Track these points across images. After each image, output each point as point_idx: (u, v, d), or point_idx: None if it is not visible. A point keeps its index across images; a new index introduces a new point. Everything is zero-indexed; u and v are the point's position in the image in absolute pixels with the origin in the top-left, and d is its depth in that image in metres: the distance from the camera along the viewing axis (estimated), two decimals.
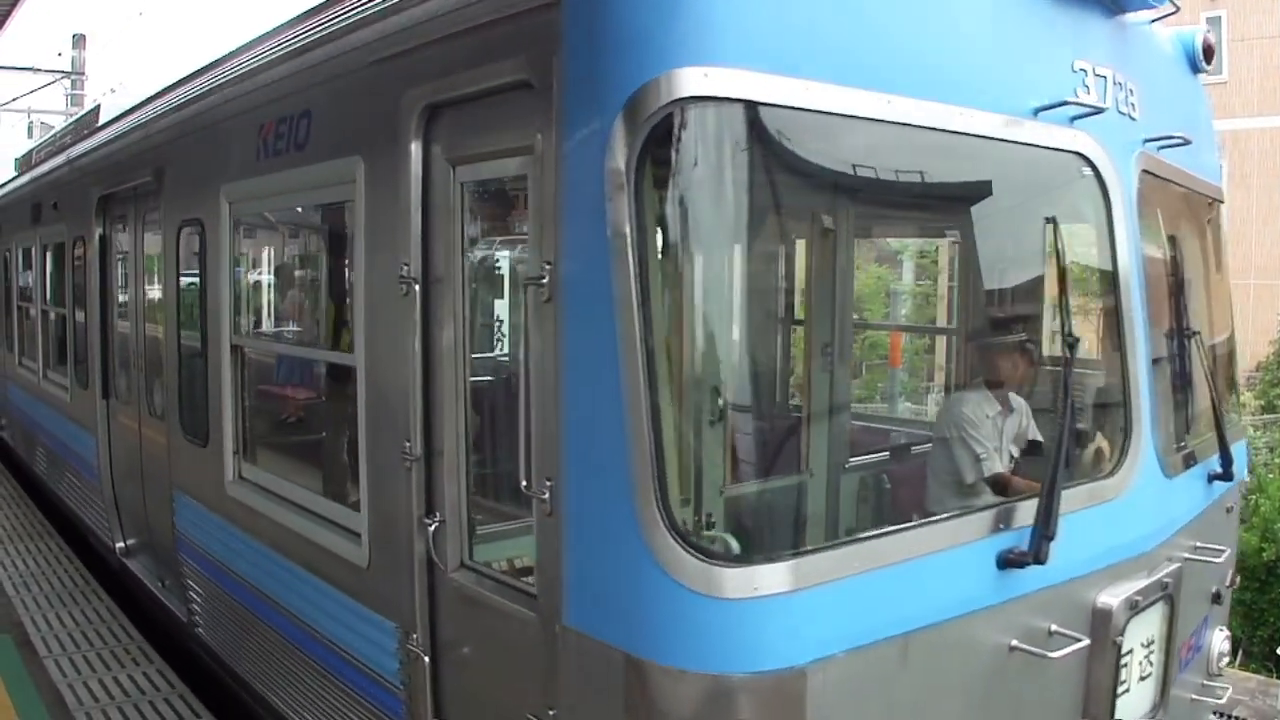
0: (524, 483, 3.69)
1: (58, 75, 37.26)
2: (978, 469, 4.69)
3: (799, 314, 4.83)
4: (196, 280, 6.70)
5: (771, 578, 3.24)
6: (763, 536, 3.67)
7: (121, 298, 8.91)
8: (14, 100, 37.01)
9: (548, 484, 3.54)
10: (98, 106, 12.67)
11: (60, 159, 11.05)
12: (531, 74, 3.57)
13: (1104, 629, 4.10)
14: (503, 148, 3.87)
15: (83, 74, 39.08)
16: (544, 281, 3.49)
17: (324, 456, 6.08)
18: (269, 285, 6.74)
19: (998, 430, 4.85)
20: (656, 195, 3.30)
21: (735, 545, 3.43)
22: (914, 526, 3.87)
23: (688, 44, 3.23)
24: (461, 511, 4.20)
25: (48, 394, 11.47)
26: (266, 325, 6.69)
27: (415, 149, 4.18)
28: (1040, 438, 4.87)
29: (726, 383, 3.42)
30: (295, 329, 6.64)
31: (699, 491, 3.43)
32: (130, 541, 8.93)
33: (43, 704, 6.56)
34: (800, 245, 4.60)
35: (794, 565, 3.30)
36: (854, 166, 3.83)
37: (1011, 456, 4.84)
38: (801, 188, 3.72)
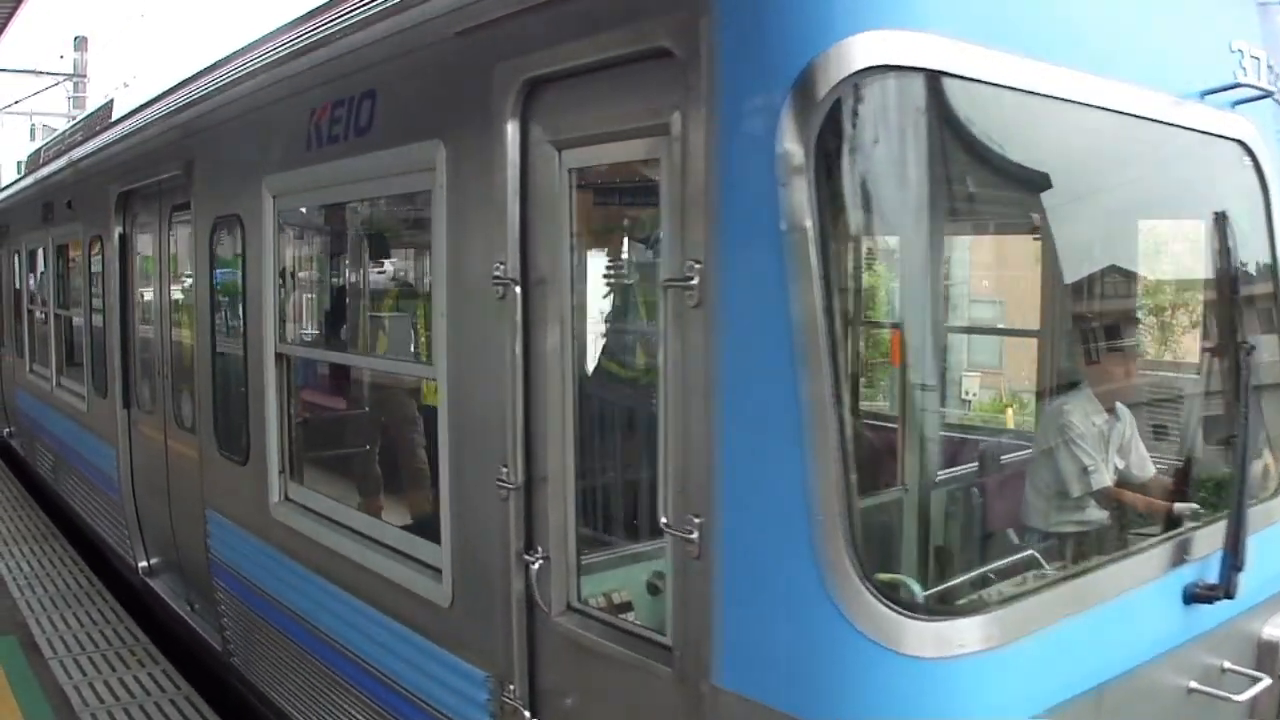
0: (662, 519, 3.14)
1: (60, 78, 37.04)
2: (1085, 481, 4.29)
3: (1008, 319, 4.32)
4: (233, 281, 6.16)
5: (977, 632, 2.83)
6: (971, 584, 3.17)
7: (144, 300, 8.39)
8: (16, 103, 36.78)
9: (695, 521, 3.00)
10: (110, 102, 12.24)
11: (74, 155, 10.55)
12: (672, 41, 3.02)
13: (1271, 663, 3.79)
14: (626, 127, 3.31)
15: (84, 76, 38.91)
16: (691, 283, 2.94)
17: (388, 479, 5.53)
18: (322, 287, 6.17)
19: (1104, 439, 4.43)
20: (845, 181, 2.81)
21: (920, 592, 2.92)
22: (1108, 563, 3.51)
23: (878, 4, 2.74)
24: (569, 547, 3.66)
25: (61, 402, 10.95)
26: (318, 332, 6.11)
27: (512, 130, 3.63)
28: (1143, 448, 4.46)
29: (933, 402, 2.90)
30: (352, 336, 6.08)
31: (897, 532, 2.93)
32: (154, 561, 8.40)
33: (48, 705, 6.44)
34: (993, 239, 4.08)
35: (1000, 617, 2.90)
36: (1045, 151, 3.36)
37: (1116, 468, 4.45)
38: (1001, 175, 3.24)
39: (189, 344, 7.11)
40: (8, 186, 15.23)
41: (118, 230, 8.52)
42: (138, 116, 8.40)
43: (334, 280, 6.23)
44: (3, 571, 9.38)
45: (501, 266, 3.65)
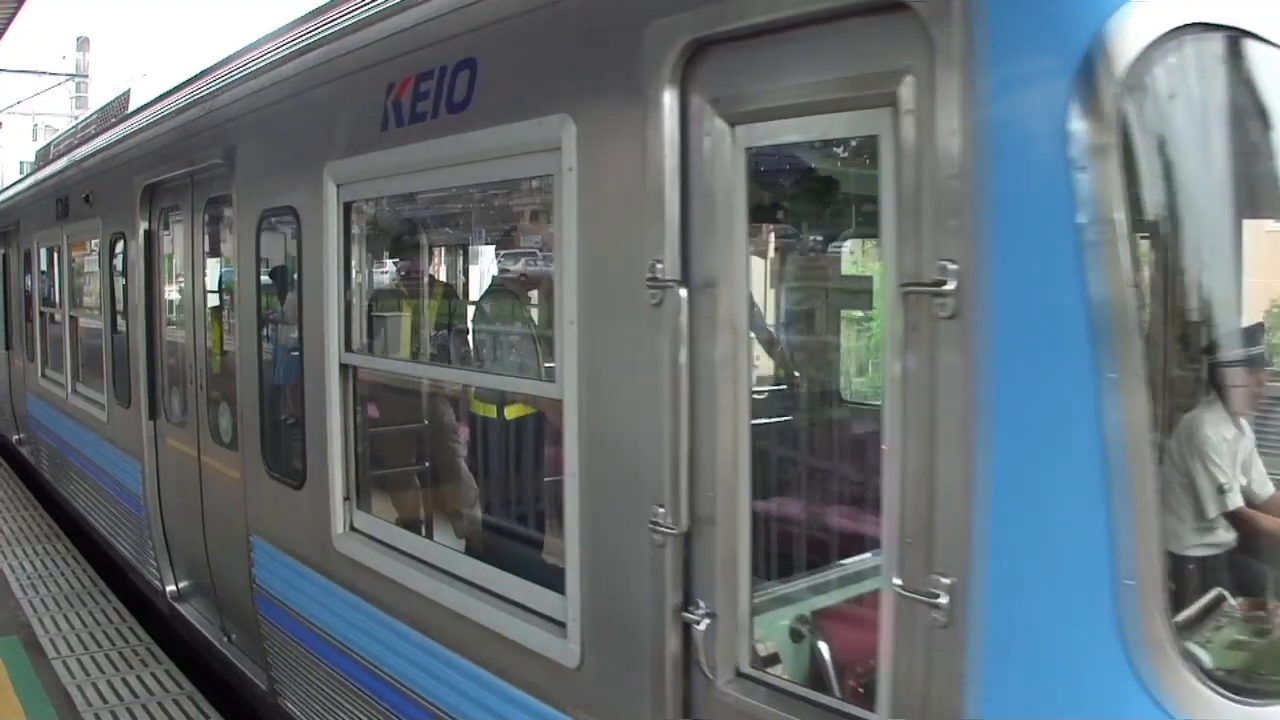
0: (895, 580, 2.52)
1: (62, 78, 36.71)
2: (1221, 501, 3.71)
3: None
4: (286, 282, 5.52)
5: None
6: None
7: (174, 302, 7.75)
8: (18, 104, 36.42)
9: (944, 582, 2.39)
10: (127, 91, 11.60)
11: (93, 146, 9.91)
12: None
13: None
14: (831, 98, 2.69)
15: (86, 76, 38.62)
16: (946, 289, 2.33)
17: (484, 513, 4.86)
18: (399, 288, 5.50)
19: (1233, 456, 3.88)
20: (1164, 165, 2.25)
21: (1247, 673, 2.36)
22: None
23: None
24: (741, 603, 3.03)
25: (78, 411, 10.30)
26: (396, 341, 5.43)
27: (670, 101, 3.00)
28: (1261, 465, 3.91)
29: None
30: (440, 345, 5.41)
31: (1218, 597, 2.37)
32: (183, 585, 7.76)
33: (51, 705, 6.40)
34: None
35: None
36: None
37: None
38: None
39: (229, 351, 6.47)
40: (17, 182, 14.58)
41: (143, 226, 7.89)
42: (167, 101, 7.75)
43: (414, 280, 5.56)
44: (6, 571, 9.26)
45: (659, 266, 3.02)
